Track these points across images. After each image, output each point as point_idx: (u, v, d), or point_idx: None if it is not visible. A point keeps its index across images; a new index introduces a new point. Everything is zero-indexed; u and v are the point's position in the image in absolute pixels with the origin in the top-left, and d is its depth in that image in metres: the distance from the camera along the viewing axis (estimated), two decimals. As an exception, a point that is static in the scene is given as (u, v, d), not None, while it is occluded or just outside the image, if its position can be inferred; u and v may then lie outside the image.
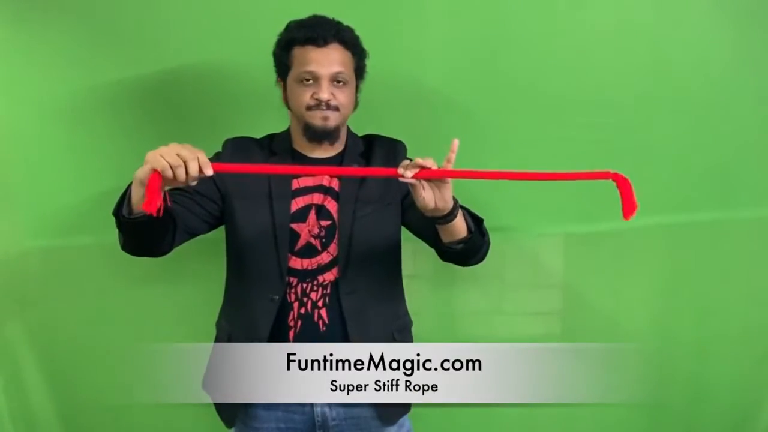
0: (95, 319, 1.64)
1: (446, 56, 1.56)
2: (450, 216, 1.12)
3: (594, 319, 1.73)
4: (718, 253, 1.69)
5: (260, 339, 1.25)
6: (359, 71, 1.28)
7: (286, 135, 1.33)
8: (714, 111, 1.61)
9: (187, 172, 0.99)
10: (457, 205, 1.13)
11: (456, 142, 1.08)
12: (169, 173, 0.98)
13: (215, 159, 1.29)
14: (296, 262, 1.27)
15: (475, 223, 1.21)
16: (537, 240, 1.70)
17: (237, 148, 1.31)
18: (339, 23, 1.25)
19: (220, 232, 1.62)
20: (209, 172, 1.01)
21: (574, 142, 1.59)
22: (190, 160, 0.99)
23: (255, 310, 1.27)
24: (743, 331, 1.73)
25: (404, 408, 1.37)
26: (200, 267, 1.60)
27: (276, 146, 1.32)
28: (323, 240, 1.28)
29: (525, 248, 1.70)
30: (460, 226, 1.16)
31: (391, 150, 1.34)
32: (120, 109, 1.53)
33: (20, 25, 1.47)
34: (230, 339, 1.32)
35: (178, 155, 0.99)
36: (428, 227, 1.21)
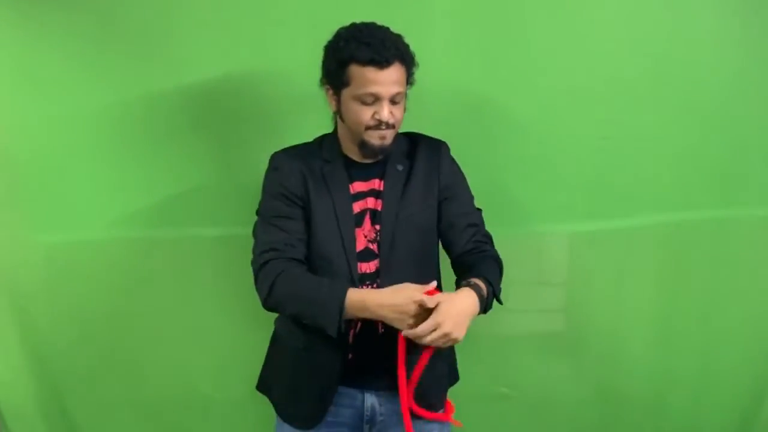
0: (98, 316, 1.64)
1: (450, 54, 1.55)
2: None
3: (597, 317, 1.72)
4: (722, 251, 1.68)
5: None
6: (409, 80, 1.27)
7: (335, 140, 1.31)
8: (719, 110, 1.59)
9: None
10: (484, 303, 1.20)
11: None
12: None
13: (277, 173, 1.28)
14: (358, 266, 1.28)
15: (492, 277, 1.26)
16: (541, 238, 1.69)
17: (293, 158, 1.30)
18: (395, 37, 1.21)
19: (220, 231, 1.62)
20: None
21: (576, 140, 1.58)
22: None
23: None
24: (747, 329, 1.72)
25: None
26: (203, 267, 1.62)
27: (326, 153, 1.31)
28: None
29: (529, 246, 1.68)
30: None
31: (436, 151, 1.33)
32: (126, 107, 1.53)
33: (29, 24, 1.47)
34: (308, 342, 1.29)
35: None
36: (447, 239, 1.32)
